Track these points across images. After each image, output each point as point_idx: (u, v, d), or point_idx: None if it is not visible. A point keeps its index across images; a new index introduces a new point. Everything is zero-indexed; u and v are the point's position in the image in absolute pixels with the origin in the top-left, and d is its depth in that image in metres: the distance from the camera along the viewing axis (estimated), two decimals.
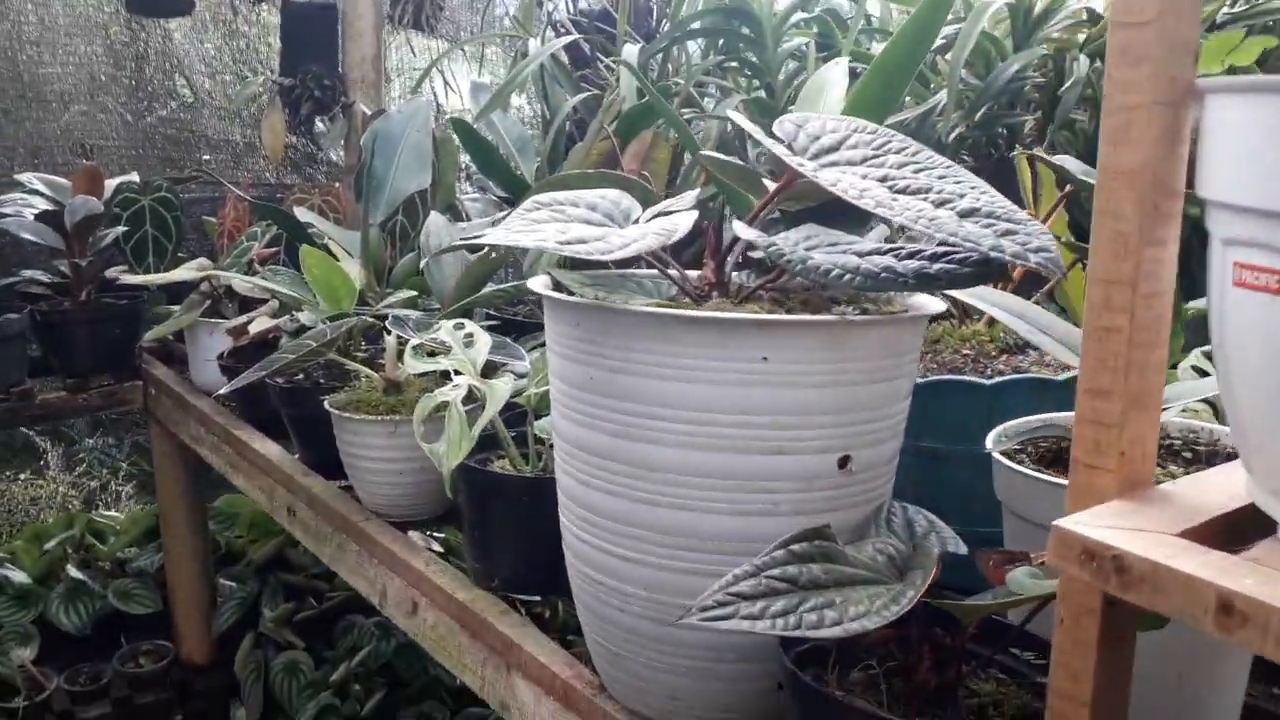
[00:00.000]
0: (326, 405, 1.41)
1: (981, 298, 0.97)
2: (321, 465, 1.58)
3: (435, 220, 1.97)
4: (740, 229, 0.85)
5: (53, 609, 2.36)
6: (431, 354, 1.23)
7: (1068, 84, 2.05)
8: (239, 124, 2.98)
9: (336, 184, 2.88)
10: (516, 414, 1.42)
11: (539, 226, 0.80)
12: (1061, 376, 1.03)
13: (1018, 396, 0.99)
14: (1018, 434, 0.97)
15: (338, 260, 2.07)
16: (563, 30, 2.72)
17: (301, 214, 2.23)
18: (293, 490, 1.55)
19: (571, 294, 0.84)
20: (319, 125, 3.03)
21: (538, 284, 0.93)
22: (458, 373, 1.15)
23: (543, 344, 1.54)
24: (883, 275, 0.78)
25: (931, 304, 0.88)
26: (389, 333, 1.44)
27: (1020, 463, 0.87)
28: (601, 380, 0.82)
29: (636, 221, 0.88)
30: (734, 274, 0.93)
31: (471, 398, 1.11)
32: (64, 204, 2.42)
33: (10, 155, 2.70)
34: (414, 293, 1.69)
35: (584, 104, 2.33)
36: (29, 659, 2.26)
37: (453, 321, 1.28)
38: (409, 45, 3.19)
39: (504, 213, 2.28)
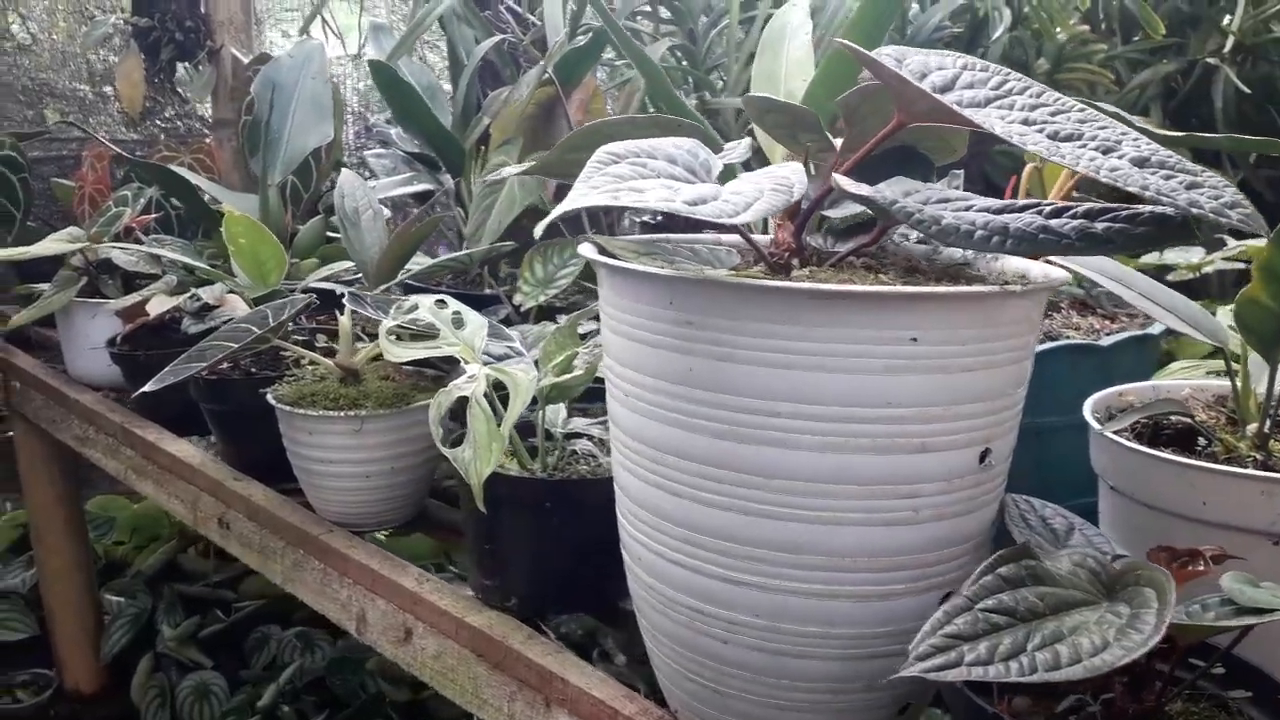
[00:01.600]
0: (270, 399, 1.20)
1: (1082, 262, 0.87)
2: (254, 467, 1.36)
3: (348, 178, 1.74)
4: (845, 182, 0.72)
5: None
6: (414, 337, 1.05)
7: (998, 33, 2.01)
8: (86, 71, 2.60)
9: (207, 139, 2.56)
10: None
11: (635, 183, 0.64)
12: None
13: (1127, 356, 0.91)
14: (1118, 407, 0.88)
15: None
16: None
17: (170, 169, 1.95)
18: (224, 499, 1.33)
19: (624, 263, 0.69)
20: (180, 72, 2.69)
21: (590, 251, 0.78)
22: (463, 361, 0.98)
23: (522, 321, 1.38)
24: (1041, 237, 0.67)
25: (1054, 272, 0.77)
26: (339, 311, 1.23)
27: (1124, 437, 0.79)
28: (704, 372, 0.67)
29: (720, 176, 0.73)
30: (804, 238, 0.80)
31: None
32: None
33: None
34: (348, 263, 1.48)
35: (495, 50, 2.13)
36: None
37: (432, 298, 1.10)
38: None
39: (409, 171, 2.06)
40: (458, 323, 1.05)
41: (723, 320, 0.66)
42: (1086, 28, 2.03)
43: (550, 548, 0.97)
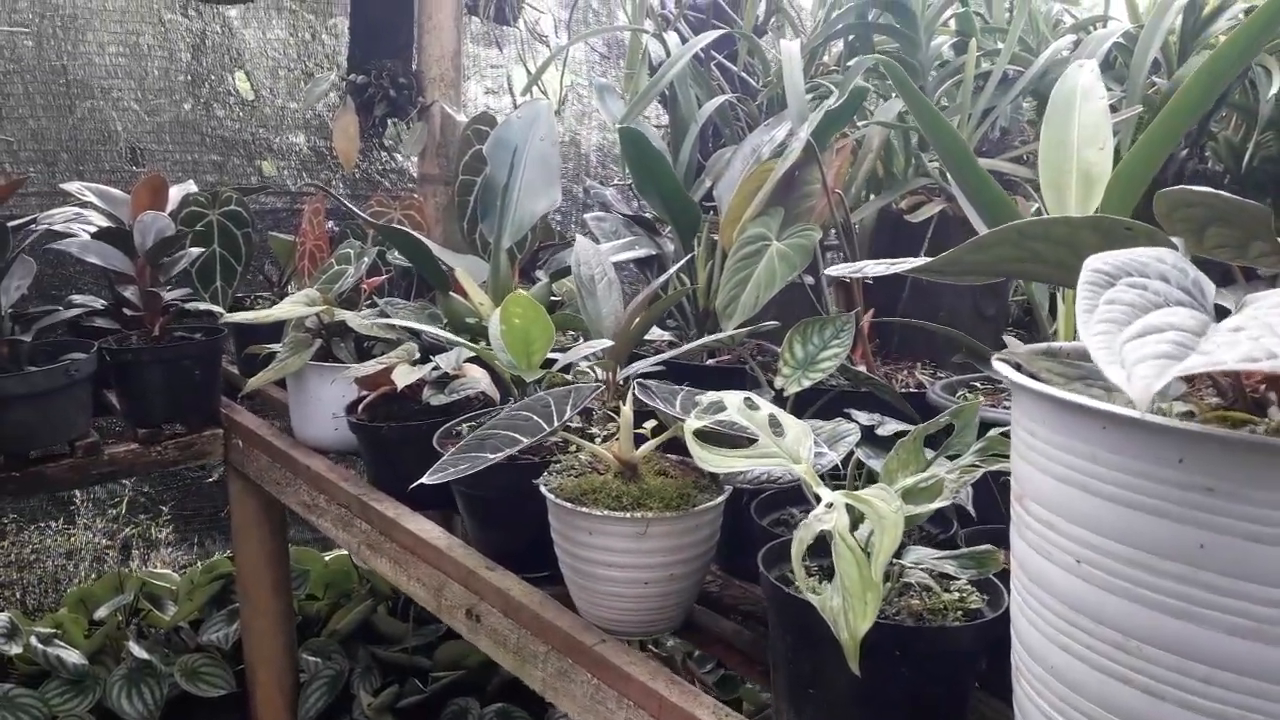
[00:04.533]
0: (545, 491, 1.11)
1: None
2: (507, 554, 1.28)
3: (584, 246, 1.68)
4: None
5: (113, 695, 2.02)
6: (712, 437, 0.94)
7: (1272, 91, 1.82)
8: (305, 126, 2.65)
9: (416, 195, 2.57)
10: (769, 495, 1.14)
11: (1174, 336, 0.51)
12: None
13: None
14: None
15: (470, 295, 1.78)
16: (662, 22, 2.44)
17: (408, 230, 1.93)
18: (475, 590, 1.25)
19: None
20: (388, 127, 2.72)
21: (1012, 374, 0.66)
22: (786, 472, 0.87)
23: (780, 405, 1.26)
24: None
25: None
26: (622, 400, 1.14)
27: None
28: (1222, 552, 0.54)
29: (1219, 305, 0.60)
30: None
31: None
32: (121, 219, 2.09)
33: (52, 160, 2.37)
34: (609, 342, 1.39)
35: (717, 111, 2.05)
36: None
37: (739, 396, 0.99)
38: (482, 39, 2.88)
39: (629, 236, 1.99)
40: (776, 428, 0.94)
41: (1261, 492, 0.52)
42: None
43: (891, 698, 0.84)
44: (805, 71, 2.09)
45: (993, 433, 0.89)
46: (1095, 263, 0.58)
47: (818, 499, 0.81)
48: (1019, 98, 1.94)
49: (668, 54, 1.98)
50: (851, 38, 2.14)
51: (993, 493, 1.00)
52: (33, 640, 2.10)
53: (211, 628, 2.24)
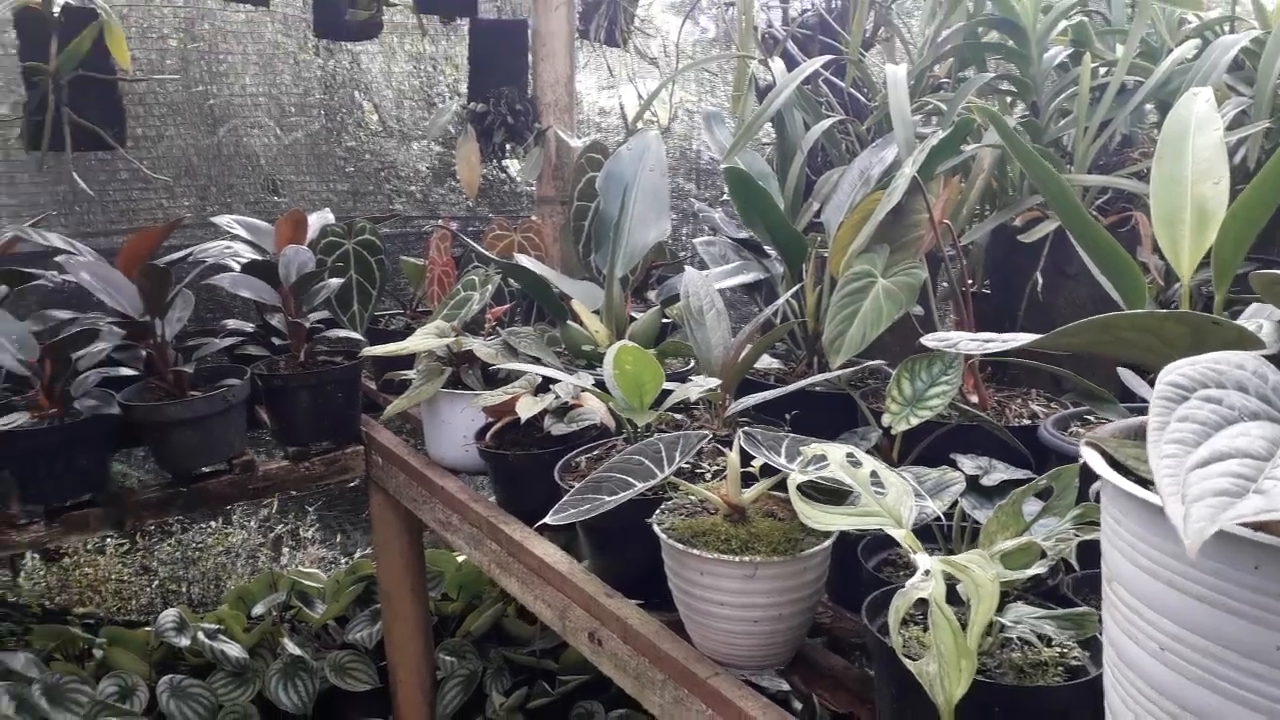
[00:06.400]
0: (658, 531, 1.19)
1: None
2: (624, 582, 1.37)
3: (694, 277, 1.74)
4: None
5: (271, 687, 2.23)
6: (817, 490, 1.00)
7: None
8: (427, 152, 2.80)
9: (534, 218, 2.69)
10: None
11: (1242, 465, 0.54)
12: None
13: None
14: None
15: (585, 322, 1.87)
16: (769, 43, 2.46)
17: (526, 262, 2.04)
18: (597, 616, 1.34)
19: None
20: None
21: (1095, 462, 0.69)
22: (884, 528, 0.92)
23: (889, 444, 1.29)
24: None
25: None
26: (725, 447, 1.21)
27: None
28: None
29: None
30: None
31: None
32: (267, 251, 2.27)
33: (202, 194, 2.57)
34: (717, 382, 1.45)
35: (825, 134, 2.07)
36: None
37: (841, 450, 1.04)
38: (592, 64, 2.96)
39: (738, 259, 2.04)
40: (877, 486, 0.99)
41: None
42: None
43: None
44: (914, 89, 2.09)
45: (1094, 491, 0.92)
46: (1172, 375, 0.61)
47: (916, 565, 0.86)
48: (1139, 107, 1.90)
49: (775, 79, 2.01)
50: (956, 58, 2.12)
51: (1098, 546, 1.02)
52: (199, 634, 2.32)
53: (356, 627, 2.43)
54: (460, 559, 2.57)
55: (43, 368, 1.80)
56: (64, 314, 1.94)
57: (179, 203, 2.56)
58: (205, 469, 1.99)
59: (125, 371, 1.94)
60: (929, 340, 0.92)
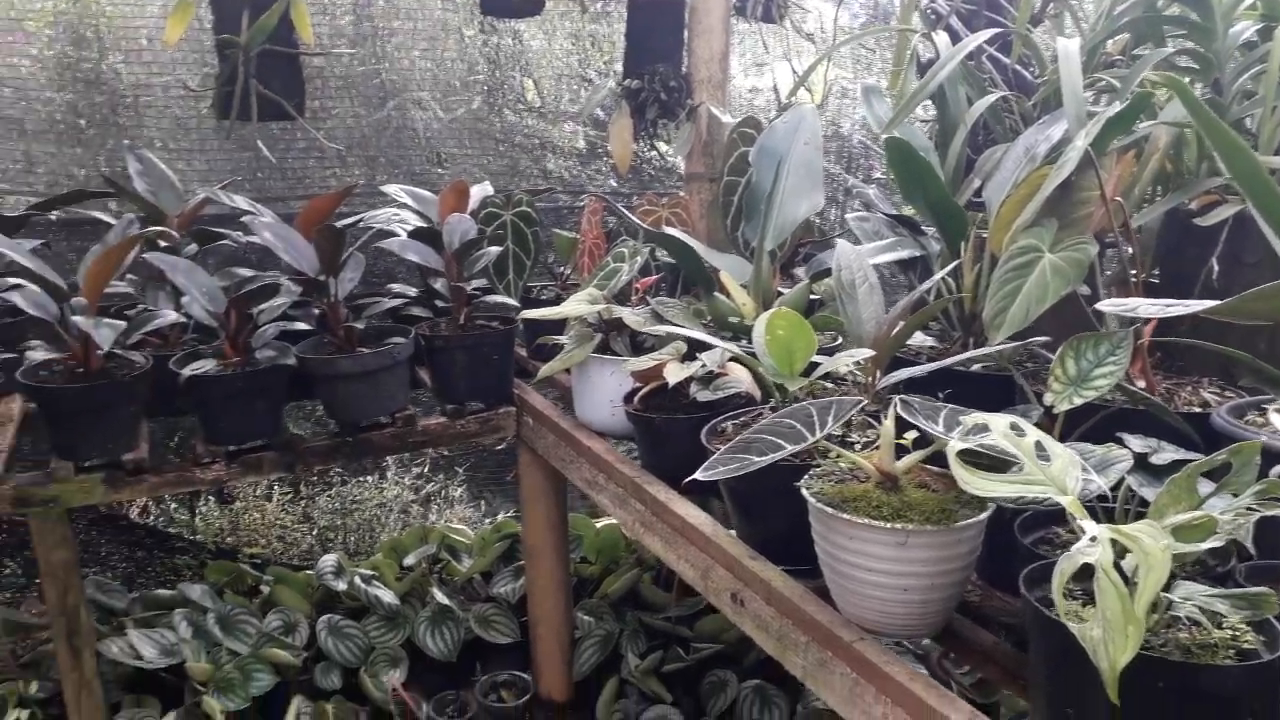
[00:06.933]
0: (806, 495, 1.20)
1: None
2: (768, 546, 1.39)
3: (846, 250, 1.73)
4: None
5: (420, 633, 2.35)
6: (975, 459, 0.99)
7: None
8: (579, 132, 2.87)
9: (682, 194, 2.71)
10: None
11: None
12: None
13: None
14: None
15: (731, 294, 1.88)
16: (931, 18, 2.40)
17: (675, 233, 2.07)
18: (740, 577, 1.36)
19: None
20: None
21: None
22: (1048, 497, 0.90)
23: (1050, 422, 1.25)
24: None
25: None
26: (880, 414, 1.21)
27: None
28: None
29: None
30: None
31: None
32: (431, 219, 2.38)
33: (372, 165, 2.72)
34: (870, 352, 1.45)
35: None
36: (399, 682, 2.26)
37: (1005, 419, 1.03)
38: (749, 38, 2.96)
39: (891, 237, 2.01)
40: (1042, 454, 0.97)
41: None
42: None
43: None
44: (1086, 65, 2.00)
45: (1276, 472, 0.88)
46: None
47: (1083, 530, 0.85)
48: None
49: (937, 53, 1.97)
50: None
51: (1278, 531, 0.97)
52: (356, 579, 2.47)
53: (500, 581, 2.53)
54: (599, 524, 2.63)
55: (228, 319, 1.95)
56: (246, 271, 2.09)
57: (350, 172, 2.71)
58: (369, 421, 2.10)
59: (300, 326, 2.08)
60: (1105, 305, 0.90)
